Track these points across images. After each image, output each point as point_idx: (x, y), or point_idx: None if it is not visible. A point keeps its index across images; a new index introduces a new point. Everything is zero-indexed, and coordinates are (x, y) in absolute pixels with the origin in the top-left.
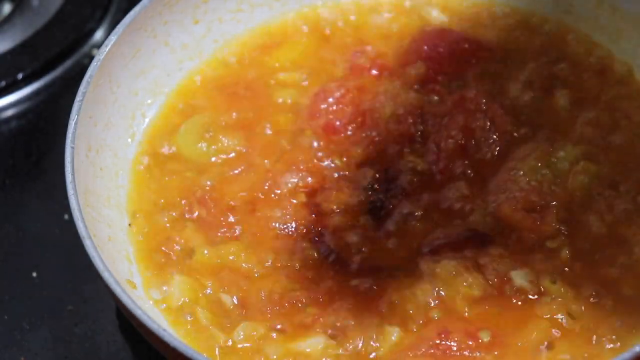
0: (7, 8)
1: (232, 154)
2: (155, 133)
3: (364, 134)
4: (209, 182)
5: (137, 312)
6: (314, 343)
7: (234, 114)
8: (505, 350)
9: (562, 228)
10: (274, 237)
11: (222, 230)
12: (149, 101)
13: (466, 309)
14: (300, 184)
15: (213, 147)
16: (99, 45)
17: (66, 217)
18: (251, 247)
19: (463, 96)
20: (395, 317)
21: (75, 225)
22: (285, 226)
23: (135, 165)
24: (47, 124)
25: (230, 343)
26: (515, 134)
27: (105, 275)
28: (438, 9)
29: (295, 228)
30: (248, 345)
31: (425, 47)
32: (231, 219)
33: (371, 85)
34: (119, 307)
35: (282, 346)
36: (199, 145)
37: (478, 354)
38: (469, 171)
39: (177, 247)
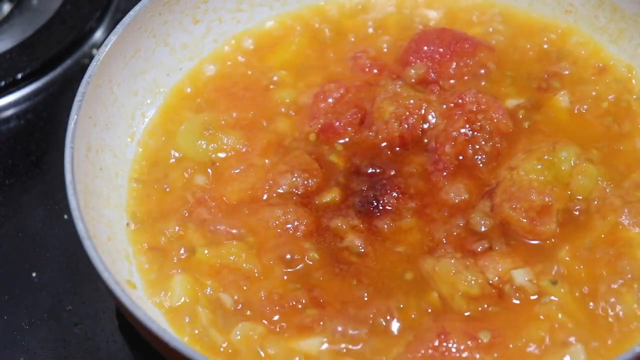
0: (6, 8)
1: (232, 154)
2: (155, 133)
3: (364, 134)
4: (209, 182)
5: (137, 313)
6: (313, 344)
7: (234, 113)
8: (505, 351)
9: (563, 228)
10: (274, 237)
11: (222, 230)
12: (149, 101)
13: (465, 309)
14: (300, 184)
15: (213, 146)
16: (98, 45)
17: (66, 217)
18: (251, 247)
19: (463, 95)
20: (394, 317)
21: (75, 226)
22: (285, 226)
23: (135, 165)
24: (46, 124)
25: (229, 343)
26: (515, 134)
27: (105, 275)
28: (437, 9)
29: (295, 228)
30: (247, 345)
31: (425, 47)
32: (231, 218)
33: (371, 85)
34: (118, 308)
35: (281, 346)
36: (199, 144)
37: (477, 356)
38: (470, 171)
39: (177, 247)
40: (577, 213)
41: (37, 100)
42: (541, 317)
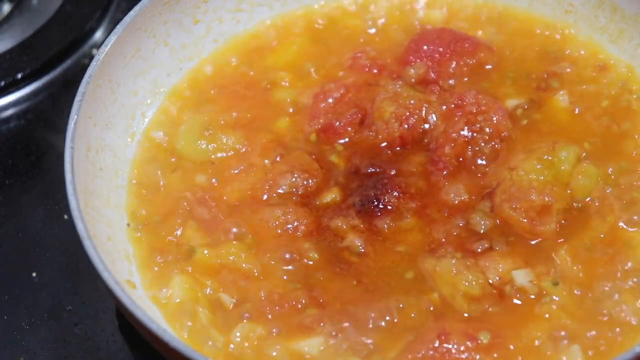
0: (6, 8)
1: (232, 154)
2: (154, 133)
3: (364, 134)
4: (209, 182)
5: (137, 312)
6: (313, 344)
7: (234, 113)
8: (505, 351)
9: (563, 228)
10: (274, 237)
11: (222, 230)
12: (149, 101)
13: (466, 309)
14: (300, 184)
15: (213, 146)
16: (98, 45)
17: (66, 217)
18: (251, 247)
19: (463, 96)
20: (394, 317)
21: (75, 225)
22: (285, 226)
23: (135, 165)
24: (46, 124)
25: (229, 343)
26: (515, 134)
27: (105, 275)
28: (437, 9)
29: (295, 228)
30: (247, 345)
31: (425, 47)
32: (231, 218)
33: (371, 86)
34: (118, 308)
35: (282, 346)
36: (199, 144)
37: (477, 356)
38: (469, 171)
39: (177, 247)
40: (577, 213)
41: (37, 100)
42: (541, 317)
